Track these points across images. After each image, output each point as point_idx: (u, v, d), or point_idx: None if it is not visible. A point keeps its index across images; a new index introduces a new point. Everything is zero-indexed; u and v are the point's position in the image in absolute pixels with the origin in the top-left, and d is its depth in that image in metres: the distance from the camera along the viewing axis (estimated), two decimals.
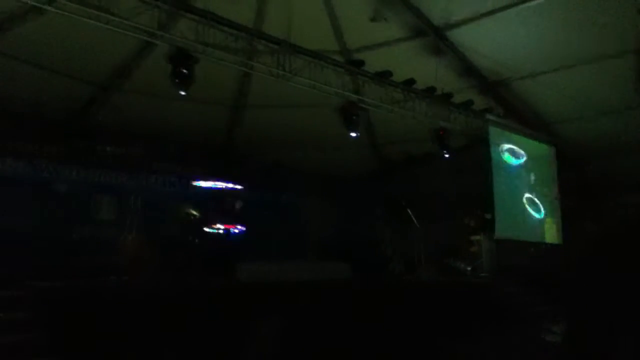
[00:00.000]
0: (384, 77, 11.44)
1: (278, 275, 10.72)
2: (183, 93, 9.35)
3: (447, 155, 12.84)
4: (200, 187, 14.74)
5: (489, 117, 13.00)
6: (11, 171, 12.31)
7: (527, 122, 13.76)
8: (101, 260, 10.86)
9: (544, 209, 14.07)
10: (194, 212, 12.95)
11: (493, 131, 13.01)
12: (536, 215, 13.91)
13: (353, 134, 11.64)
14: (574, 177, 14.68)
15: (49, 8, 8.21)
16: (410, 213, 14.23)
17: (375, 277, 13.15)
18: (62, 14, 8.14)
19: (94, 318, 7.69)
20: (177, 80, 9.14)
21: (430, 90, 12.00)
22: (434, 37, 11.22)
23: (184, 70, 9.10)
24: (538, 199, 13.98)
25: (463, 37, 11.23)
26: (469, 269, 13.94)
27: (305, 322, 8.75)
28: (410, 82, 11.71)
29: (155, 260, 11.33)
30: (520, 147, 13.78)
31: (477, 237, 14.25)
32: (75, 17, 8.16)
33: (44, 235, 11.49)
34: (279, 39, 10.10)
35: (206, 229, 13.19)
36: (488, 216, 13.31)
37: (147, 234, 12.01)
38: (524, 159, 13.90)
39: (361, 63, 11.16)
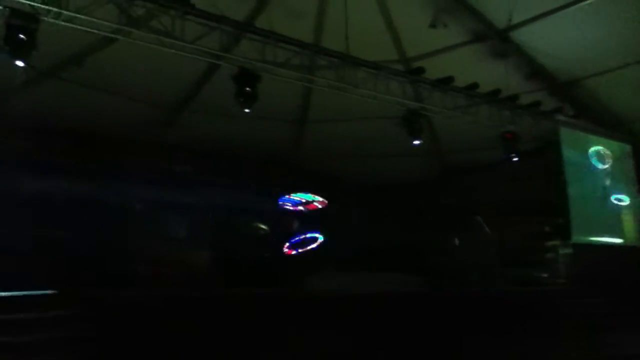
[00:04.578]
0: (445, 83, 11.27)
1: (349, 286, 10.70)
2: (247, 111, 9.56)
3: (515, 159, 12.45)
4: (269, 203, 14.99)
5: (560, 118, 12.51)
6: (87, 191, 12.89)
7: (601, 121, 13.16)
8: (172, 274, 11.26)
9: (625, 210, 13.36)
10: (263, 226, 13.17)
11: (565, 132, 12.50)
12: (616, 217, 13.22)
13: (416, 142, 11.53)
14: None
15: (119, 37, 8.62)
16: (480, 220, 13.88)
17: (449, 288, 12.88)
18: (131, 42, 8.53)
19: (165, 329, 7.93)
20: (241, 99, 9.37)
21: (495, 93, 11.71)
22: (497, 39, 10.97)
23: (248, 89, 9.31)
24: (618, 200, 13.29)
25: (528, 37, 10.93)
26: (545, 275, 13.41)
27: (377, 335, 8.67)
28: (473, 86, 11.48)
29: (221, 273, 11.62)
30: (597, 148, 13.16)
31: (553, 243, 13.68)
32: (143, 44, 8.53)
33: (119, 251, 11.99)
34: (339, 53, 10.15)
35: (275, 242, 13.38)
36: (562, 221, 12.77)
37: (218, 249, 12.35)
38: (602, 159, 13.26)
39: (421, 70, 11.04)
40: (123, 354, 7.69)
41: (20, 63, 7.78)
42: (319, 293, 10.42)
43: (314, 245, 14.66)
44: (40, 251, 10.96)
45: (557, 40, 10.92)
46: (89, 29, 8.13)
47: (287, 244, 14.35)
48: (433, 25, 10.61)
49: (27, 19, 7.49)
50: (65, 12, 7.72)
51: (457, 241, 16.00)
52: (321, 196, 15.85)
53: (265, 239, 13.48)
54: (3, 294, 8.45)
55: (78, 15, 7.79)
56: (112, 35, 8.70)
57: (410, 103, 11.23)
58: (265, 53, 9.37)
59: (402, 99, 11.02)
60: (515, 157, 12.45)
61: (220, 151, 14.23)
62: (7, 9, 7.40)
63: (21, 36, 7.49)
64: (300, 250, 14.46)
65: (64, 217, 12.07)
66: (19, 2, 7.37)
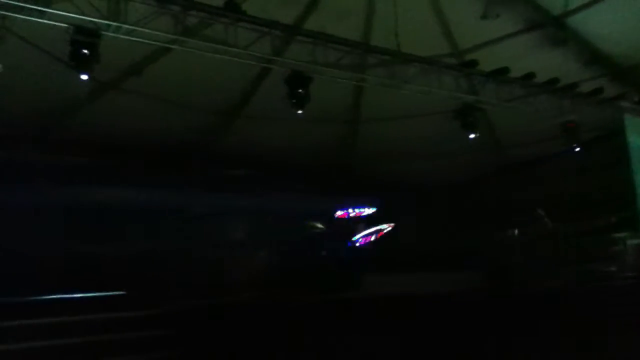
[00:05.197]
0: (500, 74, 11.01)
1: (409, 287, 10.64)
2: (300, 112, 9.67)
3: (578, 149, 12.03)
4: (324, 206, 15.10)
5: (624, 104, 11.99)
6: (146, 199, 13.36)
7: None
8: (233, 278, 11.52)
9: None
10: (318, 226, 13.27)
11: (630, 119, 11.97)
12: None
13: (471, 135, 11.33)
14: None
15: (175, 47, 8.92)
16: (542, 214, 13.48)
17: (511, 285, 12.58)
18: (187, 51, 8.81)
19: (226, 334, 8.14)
20: (294, 101, 9.48)
21: (553, 82, 11.34)
22: (553, 27, 10.64)
23: (300, 91, 9.42)
24: None
25: (585, 23, 10.57)
26: (613, 269, 12.86)
27: (438, 335, 8.59)
28: (530, 76, 11.16)
29: (281, 275, 11.79)
30: None
31: (620, 235, 13.11)
32: (198, 52, 8.79)
33: (182, 257, 12.36)
34: (389, 50, 10.12)
35: (331, 243, 13.47)
36: (629, 211, 12.23)
37: (276, 251, 12.54)
38: None
39: (475, 63, 10.83)
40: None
41: (84, 77, 8.17)
42: (381, 295, 10.42)
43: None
44: (106, 256, 11.48)
45: (616, 24, 10.49)
46: (146, 41, 8.48)
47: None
48: (485, 16, 10.41)
49: (90, 35, 7.86)
50: (124, 26, 8.05)
51: (519, 236, 15.58)
52: (376, 196, 15.81)
53: (322, 239, 13.58)
54: (75, 295, 8.92)
55: (136, 28, 8.11)
56: (169, 46, 9.00)
57: (464, 96, 11.04)
58: (315, 54, 9.45)
59: (456, 93, 10.86)
60: (577, 147, 12.04)
61: (274, 154, 14.44)
62: (71, 26, 7.79)
63: (84, 51, 7.87)
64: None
65: (126, 225, 12.61)
66: (82, 18, 7.75)
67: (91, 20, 7.83)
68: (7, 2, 6.99)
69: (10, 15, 7.36)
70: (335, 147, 14.75)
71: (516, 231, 15.55)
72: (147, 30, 8.18)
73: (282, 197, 15.11)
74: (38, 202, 11.32)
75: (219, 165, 14.44)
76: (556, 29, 10.69)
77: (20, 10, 7.25)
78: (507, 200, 15.85)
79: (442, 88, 10.61)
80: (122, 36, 8.18)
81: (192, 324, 8.38)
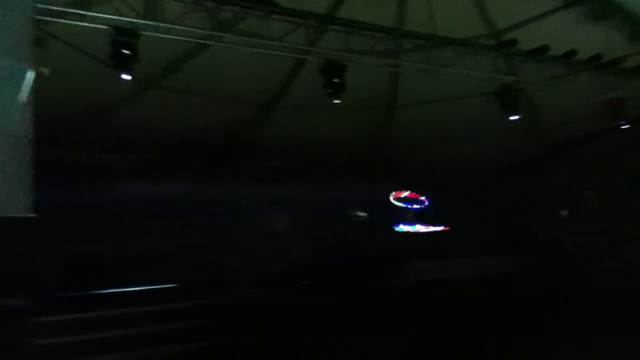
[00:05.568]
0: (540, 53, 10.74)
1: (457, 272, 10.59)
2: (337, 101, 9.71)
3: (625, 127, 11.64)
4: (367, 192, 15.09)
5: None
6: (189, 193, 13.63)
7: None
8: (277, 269, 11.68)
9: None
10: (363, 214, 13.30)
11: None
12: None
13: (512, 117, 11.13)
14: None
15: (211, 43, 9.09)
16: (590, 195, 13.11)
17: (564, 267, 12.30)
18: (222, 46, 8.96)
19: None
20: (330, 90, 9.53)
21: (596, 58, 10.98)
22: (595, 1, 10.28)
23: (336, 80, 9.45)
24: None
25: None
26: None
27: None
28: (571, 53, 10.84)
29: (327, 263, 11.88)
30: None
31: None
32: (233, 46, 8.93)
33: (230, 248, 12.58)
34: (424, 34, 10.01)
35: (377, 230, 13.49)
36: None
37: (318, 241, 12.64)
38: None
39: (513, 42, 10.59)
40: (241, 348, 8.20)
41: (126, 76, 8.42)
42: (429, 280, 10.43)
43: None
44: (158, 250, 11.81)
45: None
46: (183, 38, 8.66)
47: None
48: None
49: (129, 35, 8.09)
50: (161, 25, 8.25)
51: (566, 218, 15.24)
52: (419, 182, 15.70)
53: (366, 226, 13.65)
54: (131, 288, 9.29)
55: (173, 26, 8.30)
56: (204, 42, 9.17)
57: (503, 77, 10.84)
58: (349, 42, 9.44)
59: (494, 74, 10.67)
60: (624, 124, 11.65)
61: (313, 144, 14.50)
62: (111, 28, 8.04)
63: (125, 51, 8.12)
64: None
65: (176, 218, 12.94)
66: (121, 19, 7.97)
67: (129, 21, 8.06)
68: (50, 8, 7.26)
69: (53, 21, 7.63)
70: (374, 134, 14.70)
71: (565, 212, 15.22)
72: (183, 28, 8.35)
73: (323, 187, 15.16)
74: (99, 199, 11.73)
75: (260, 156, 14.62)
76: (598, 3, 10.33)
77: (63, 15, 7.51)
78: (554, 181, 15.48)
79: (480, 70, 10.44)
80: (160, 35, 8.39)
81: (240, 315, 8.60)
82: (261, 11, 8.75)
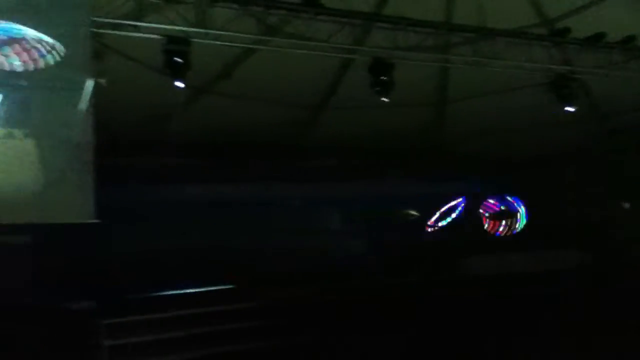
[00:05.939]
0: (596, 40, 10.37)
1: (516, 266, 10.40)
2: (385, 100, 9.68)
3: None
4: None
5: None
6: (250, 194, 13.89)
7: None
8: (337, 267, 11.78)
9: None
10: (414, 213, 13.23)
11: None
12: None
13: (569, 109, 10.78)
14: None
15: (259, 47, 9.25)
16: None
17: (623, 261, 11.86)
18: (270, 50, 9.10)
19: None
20: (378, 89, 9.52)
21: None
22: None
23: (384, 78, 9.43)
24: None
25: None
26: None
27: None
28: (630, 39, 10.42)
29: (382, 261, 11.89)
30: None
31: None
32: (281, 49, 9.06)
33: (284, 248, 12.76)
34: (474, 26, 9.84)
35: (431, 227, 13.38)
36: None
37: (375, 238, 12.67)
38: None
39: (567, 31, 10.27)
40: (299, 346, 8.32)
41: (179, 84, 8.67)
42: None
43: None
44: (214, 252, 12.10)
45: None
46: (232, 44, 8.86)
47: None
48: None
49: (181, 43, 8.33)
50: (211, 32, 8.45)
51: (629, 211, 14.64)
52: (475, 175, 15.39)
53: (417, 224, 13.54)
54: (189, 290, 9.59)
55: (222, 32, 8.49)
56: (253, 46, 9.34)
57: (557, 67, 10.53)
58: (397, 39, 9.40)
59: (548, 65, 10.38)
60: None
61: (365, 142, 14.49)
62: (163, 37, 8.31)
63: (177, 59, 8.37)
64: None
65: (232, 221, 13.20)
66: (172, 29, 8.23)
67: (180, 29, 8.30)
68: (106, 21, 7.58)
69: (109, 33, 7.96)
70: (426, 130, 14.54)
71: (626, 205, 14.64)
72: (232, 34, 8.53)
73: (378, 184, 15.14)
74: (160, 201, 12.14)
75: (313, 156, 14.72)
76: None
77: (118, 27, 7.83)
78: (612, 172, 14.90)
79: (533, 60, 10.18)
80: (210, 42, 8.60)
81: (302, 314, 8.72)
82: (307, 13, 8.83)
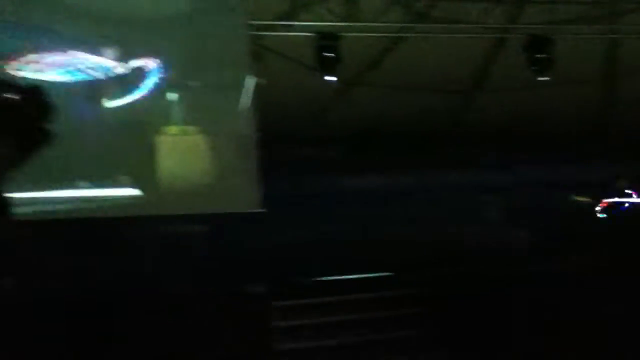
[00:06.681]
0: None
1: None
2: (545, 79, 9.15)
3: None
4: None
5: None
6: (406, 183, 13.86)
7: None
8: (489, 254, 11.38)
9: None
10: (584, 199, 12.32)
11: None
12: None
13: None
14: None
15: (408, 35, 9.23)
16: None
17: None
18: (419, 36, 9.05)
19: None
20: (535, 68, 9.01)
21: None
22: None
23: (542, 55, 8.90)
24: None
25: None
26: None
27: None
28: None
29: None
30: None
31: None
32: (431, 35, 8.96)
33: (430, 239, 12.57)
34: None
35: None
36: None
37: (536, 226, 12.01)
38: None
39: None
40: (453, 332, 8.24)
41: (330, 78, 8.98)
42: None
43: None
44: (375, 239, 12.33)
45: None
46: (382, 34, 8.96)
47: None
48: None
49: (331, 38, 8.63)
50: (358, 24, 8.64)
51: None
52: None
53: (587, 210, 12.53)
54: (344, 277, 9.93)
55: (370, 24, 8.64)
56: (402, 34, 9.34)
57: None
58: (555, 13, 8.80)
59: None
60: None
61: (523, 125, 13.73)
62: (315, 34, 8.67)
63: (329, 54, 8.68)
64: None
65: (387, 210, 13.33)
66: (322, 25, 8.56)
67: (330, 25, 8.60)
68: (261, 23, 8.12)
69: (265, 34, 8.52)
70: (589, 109, 13.38)
71: None
72: (379, 25, 8.64)
73: (540, 169, 14.31)
74: (319, 190, 12.73)
75: (469, 143, 14.29)
76: None
77: (272, 28, 8.35)
78: None
79: None
80: (359, 34, 8.79)
81: (463, 302, 8.65)
82: None
